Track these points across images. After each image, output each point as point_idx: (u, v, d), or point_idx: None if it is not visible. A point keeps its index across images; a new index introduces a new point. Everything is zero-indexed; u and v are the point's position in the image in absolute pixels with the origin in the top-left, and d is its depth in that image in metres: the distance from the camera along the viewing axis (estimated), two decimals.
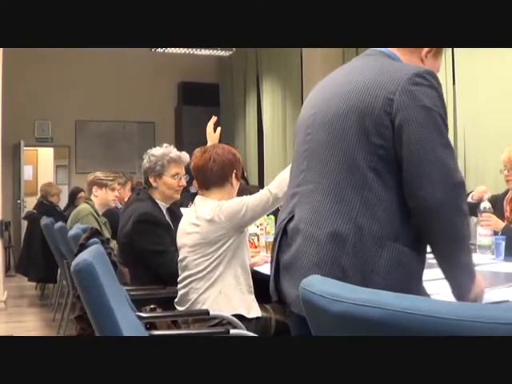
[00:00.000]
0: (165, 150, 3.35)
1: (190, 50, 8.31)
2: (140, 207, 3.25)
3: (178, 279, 2.75)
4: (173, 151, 3.34)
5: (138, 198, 3.37)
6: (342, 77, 1.73)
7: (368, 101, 1.59)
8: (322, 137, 1.69)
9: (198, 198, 2.80)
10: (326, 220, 1.61)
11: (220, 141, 3.43)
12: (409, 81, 1.56)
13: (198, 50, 8.31)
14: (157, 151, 3.35)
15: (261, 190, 2.65)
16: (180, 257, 2.76)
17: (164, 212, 3.33)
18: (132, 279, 3.20)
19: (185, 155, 3.38)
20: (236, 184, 2.81)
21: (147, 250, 3.10)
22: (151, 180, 3.30)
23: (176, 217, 3.37)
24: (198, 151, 2.84)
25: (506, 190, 3.70)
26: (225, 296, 2.58)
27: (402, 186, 1.58)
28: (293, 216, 1.72)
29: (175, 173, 3.33)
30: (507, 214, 3.53)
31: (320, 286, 1.00)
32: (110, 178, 4.77)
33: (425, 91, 1.56)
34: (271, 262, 1.83)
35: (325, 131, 1.68)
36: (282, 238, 1.75)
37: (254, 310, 2.63)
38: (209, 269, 2.61)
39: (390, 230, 1.58)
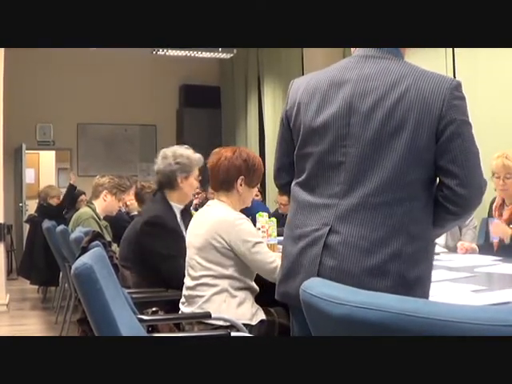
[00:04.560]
0: (188, 151, 3.33)
1: (191, 52, 8.31)
2: (151, 209, 3.25)
3: (185, 279, 2.74)
4: (195, 153, 3.34)
5: (153, 200, 3.37)
6: (372, 84, 1.71)
7: (417, 119, 1.65)
8: (366, 152, 1.70)
9: (212, 201, 2.79)
10: (380, 234, 1.67)
11: (221, 143, 3.42)
12: (451, 95, 1.66)
13: (200, 52, 8.31)
14: (184, 151, 3.31)
15: (276, 262, 2.52)
16: (187, 256, 2.74)
17: (178, 214, 3.31)
18: (138, 280, 3.20)
19: (202, 157, 3.36)
20: (245, 191, 2.73)
21: (154, 252, 3.09)
22: (179, 180, 3.25)
23: (189, 217, 3.37)
24: (213, 152, 2.81)
25: (493, 197, 3.71)
26: (229, 305, 2.57)
27: (433, 188, 1.74)
28: (330, 228, 1.72)
29: (197, 175, 3.35)
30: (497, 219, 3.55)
31: (320, 288, 1.00)
32: (122, 189, 4.78)
33: (463, 105, 1.69)
34: (294, 269, 1.80)
35: (369, 146, 1.69)
36: (324, 252, 1.72)
37: (257, 317, 2.61)
38: (215, 275, 2.60)
39: (429, 231, 1.75)
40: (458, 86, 1.68)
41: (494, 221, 3.26)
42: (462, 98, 1.69)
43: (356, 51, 1.82)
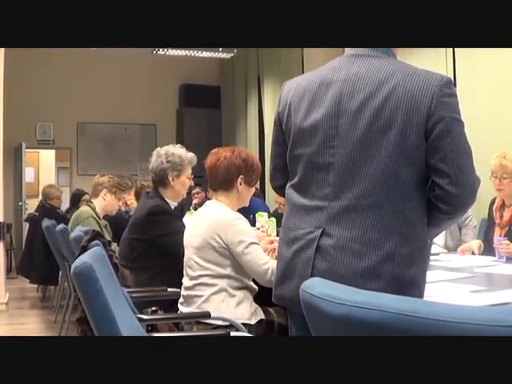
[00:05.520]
0: (181, 150, 3.41)
1: (191, 52, 8.31)
2: (149, 203, 3.31)
3: (183, 279, 2.75)
4: (188, 153, 3.42)
5: (148, 197, 3.42)
6: (360, 84, 1.70)
7: (406, 117, 1.63)
8: (354, 152, 1.68)
9: (210, 201, 2.80)
10: (372, 236, 1.65)
11: (221, 143, 3.46)
12: (440, 93, 1.63)
13: (200, 52, 8.31)
14: (176, 150, 3.39)
15: (269, 264, 2.53)
16: (186, 256, 2.75)
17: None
18: (138, 275, 3.25)
19: (195, 157, 3.45)
20: (244, 190, 2.74)
21: (160, 234, 3.14)
22: (170, 178, 3.34)
23: (181, 215, 3.58)
24: (211, 152, 2.84)
25: (492, 198, 3.70)
26: (228, 305, 2.57)
27: (426, 188, 1.71)
28: (323, 231, 1.71)
29: (189, 173, 3.42)
30: (497, 220, 3.53)
31: (320, 288, 1.00)
32: (122, 188, 4.78)
33: (453, 102, 1.66)
34: (288, 273, 1.80)
35: (358, 146, 1.67)
36: (317, 255, 1.72)
37: (256, 316, 2.61)
38: (213, 275, 2.60)
39: (423, 232, 1.72)
40: (447, 83, 1.65)
41: (501, 240, 3.23)
42: (452, 95, 1.66)
43: (347, 51, 1.81)
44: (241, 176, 2.71)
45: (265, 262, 2.54)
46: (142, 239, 3.23)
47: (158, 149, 3.42)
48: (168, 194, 3.36)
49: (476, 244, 3.50)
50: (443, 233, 3.99)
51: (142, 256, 3.22)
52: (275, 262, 2.44)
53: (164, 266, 3.11)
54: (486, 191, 3.66)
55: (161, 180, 3.35)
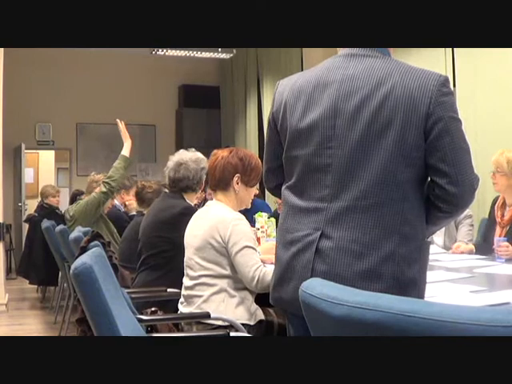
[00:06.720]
0: (199, 153, 3.48)
1: (190, 52, 8.32)
2: (181, 202, 3.35)
3: (183, 279, 2.75)
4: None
5: (171, 196, 3.45)
6: (357, 84, 1.69)
7: (404, 117, 1.63)
8: (353, 153, 1.67)
9: (211, 202, 2.81)
10: (372, 237, 1.64)
11: (220, 143, 3.50)
12: (438, 92, 1.63)
13: (199, 52, 8.32)
14: (199, 155, 3.46)
15: (257, 272, 2.51)
16: (186, 256, 2.75)
17: None
18: (146, 274, 3.30)
19: None
20: (242, 190, 2.74)
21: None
22: (205, 183, 3.41)
23: None
24: (212, 153, 2.87)
25: (495, 197, 3.72)
26: (228, 305, 2.57)
27: (424, 187, 1.71)
28: (322, 233, 1.70)
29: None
30: (498, 219, 3.54)
31: (320, 288, 1.00)
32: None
33: (450, 101, 1.66)
34: (286, 275, 1.78)
35: (356, 147, 1.66)
36: (316, 258, 1.70)
37: (256, 317, 2.61)
38: (213, 275, 2.60)
39: (422, 231, 1.72)
40: (445, 82, 1.65)
41: (501, 241, 3.23)
42: (450, 94, 1.66)
43: (341, 50, 1.80)
44: (237, 175, 2.70)
45: (255, 268, 2.51)
46: (166, 237, 3.26)
47: (178, 157, 3.43)
48: (190, 196, 3.44)
49: (467, 248, 3.52)
50: (442, 233, 4.00)
51: (159, 254, 3.27)
52: (266, 271, 2.45)
53: (175, 266, 3.11)
54: (489, 191, 3.67)
55: (195, 187, 3.42)
